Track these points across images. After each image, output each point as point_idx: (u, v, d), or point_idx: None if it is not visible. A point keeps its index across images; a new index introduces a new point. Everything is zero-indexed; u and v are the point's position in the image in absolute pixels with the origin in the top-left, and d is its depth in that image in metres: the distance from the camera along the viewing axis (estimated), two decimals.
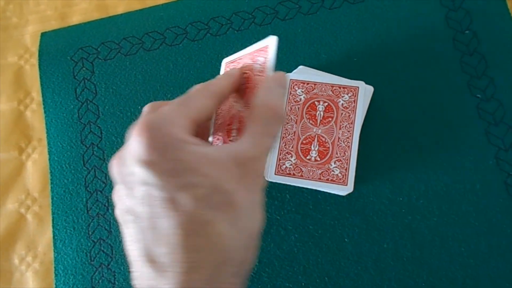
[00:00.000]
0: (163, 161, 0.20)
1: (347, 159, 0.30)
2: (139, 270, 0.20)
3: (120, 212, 0.22)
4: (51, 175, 0.36)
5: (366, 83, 0.33)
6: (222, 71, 0.31)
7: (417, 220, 0.31)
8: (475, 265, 0.30)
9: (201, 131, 0.25)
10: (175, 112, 0.22)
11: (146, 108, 0.25)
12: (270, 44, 0.26)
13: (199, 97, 0.24)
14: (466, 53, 0.34)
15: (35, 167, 0.37)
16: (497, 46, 0.34)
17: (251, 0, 0.38)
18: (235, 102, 0.27)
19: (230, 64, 0.30)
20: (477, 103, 0.33)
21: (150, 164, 0.20)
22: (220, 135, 0.28)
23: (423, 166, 0.32)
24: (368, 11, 0.36)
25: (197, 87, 0.24)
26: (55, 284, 0.34)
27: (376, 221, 0.32)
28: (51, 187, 0.36)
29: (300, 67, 0.35)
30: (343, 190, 0.30)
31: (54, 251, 0.35)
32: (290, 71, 0.34)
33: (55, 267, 0.34)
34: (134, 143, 0.21)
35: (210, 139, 0.28)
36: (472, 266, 0.30)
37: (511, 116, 0.32)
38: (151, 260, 0.20)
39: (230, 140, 0.26)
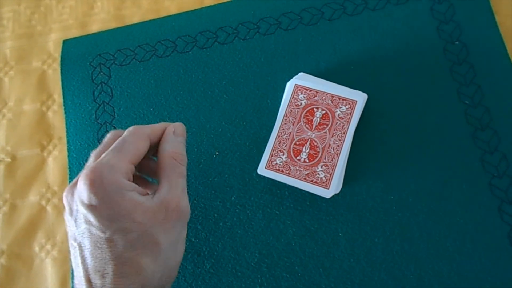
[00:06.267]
0: (104, 206, 0.25)
1: (334, 165, 0.32)
2: (78, 286, 0.26)
3: (69, 235, 0.27)
4: (69, 171, 0.40)
5: (361, 90, 0.35)
6: (288, 92, 0.35)
7: (407, 217, 0.34)
8: (460, 260, 0.32)
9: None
10: (115, 158, 0.27)
11: (92, 154, 0.30)
12: (359, 100, 0.34)
13: (134, 139, 0.28)
14: (456, 63, 0.36)
15: (55, 163, 0.40)
16: (485, 56, 0.36)
17: (256, 12, 0.41)
18: (306, 128, 0.34)
19: (303, 90, 0.34)
20: (465, 109, 0.35)
21: (92, 208, 0.25)
22: (284, 149, 0.33)
23: (414, 167, 0.35)
24: (365, 23, 0.39)
25: (131, 130, 0.29)
26: (72, 270, 0.37)
27: (368, 217, 0.34)
28: (70, 182, 0.39)
29: (300, 73, 0.37)
30: (325, 193, 0.32)
31: None
32: (291, 77, 0.37)
33: None
34: (81, 186, 0.26)
35: (269, 148, 0.34)
36: (457, 261, 0.32)
37: (497, 122, 0.35)
38: (89, 281, 0.25)
39: (297, 160, 0.33)
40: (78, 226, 0.26)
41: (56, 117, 0.42)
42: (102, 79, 0.42)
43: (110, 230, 0.25)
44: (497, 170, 0.34)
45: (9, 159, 0.41)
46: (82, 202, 0.25)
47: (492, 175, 0.34)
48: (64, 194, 0.27)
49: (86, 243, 0.25)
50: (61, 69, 0.43)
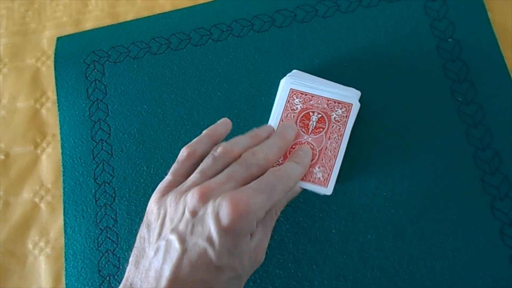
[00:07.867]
0: (231, 239, 0.25)
1: (331, 166, 0.32)
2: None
3: (167, 223, 0.27)
4: (63, 168, 0.40)
5: (355, 87, 0.35)
6: (281, 90, 0.35)
7: (399, 214, 0.34)
8: (452, 256, 0.32)
9: None
10: (264, 204, 0.27)
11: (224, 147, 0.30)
12: (355, 104, 0.33)
13: (281, 192, 0.28)
14: (449, 60, 0.37)
15: (49, 160, 0.40)
16: (477, 53, 0.36)
17: (250, 9, 0.41)
18: (302, 132, 0.33)
19: (299, 94, 0.34)
20: (458, 106, 0.35)
21: (222, 233, 0.25)
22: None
23: (406, 164, 0.35)
24: (358, 20, 0.39)
25: (283, 179, 0.28)
26: (65, 267, 0.37)
27: (361, 214, 0.34)
28: (63, 179, 0.39)
29: (294, 71, 0.37)
30: (323, 191, 0.32)
31: (64, 238, 0.38)
32: (285, 75, 0.37)
33: (65, 252, 0.37)
34: (225, 207, 0.25)
35: None
36: (449, 257, 0.32)
37: (490, 119, 0.35)
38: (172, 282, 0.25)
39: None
40: (195, 233, 0.25)
41: (50, 114, 0.42)
42: (96, 76, 0.42)
43: (222, 261, 0.25)
44: (490, 167, 0.34)
45: (2, 156, 0.41)
46: (219, 222, 0.25)
47: (484, 172, 0.34)
48: (198, 192, 0.26)
49: (193, 255, 0.25)
50: (55, 66, 0.43)
